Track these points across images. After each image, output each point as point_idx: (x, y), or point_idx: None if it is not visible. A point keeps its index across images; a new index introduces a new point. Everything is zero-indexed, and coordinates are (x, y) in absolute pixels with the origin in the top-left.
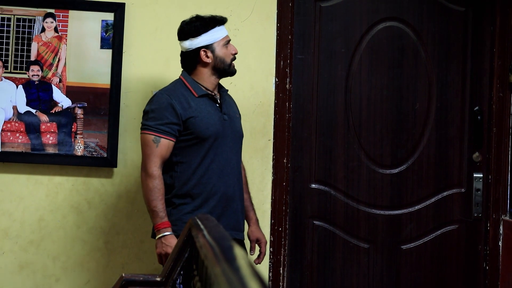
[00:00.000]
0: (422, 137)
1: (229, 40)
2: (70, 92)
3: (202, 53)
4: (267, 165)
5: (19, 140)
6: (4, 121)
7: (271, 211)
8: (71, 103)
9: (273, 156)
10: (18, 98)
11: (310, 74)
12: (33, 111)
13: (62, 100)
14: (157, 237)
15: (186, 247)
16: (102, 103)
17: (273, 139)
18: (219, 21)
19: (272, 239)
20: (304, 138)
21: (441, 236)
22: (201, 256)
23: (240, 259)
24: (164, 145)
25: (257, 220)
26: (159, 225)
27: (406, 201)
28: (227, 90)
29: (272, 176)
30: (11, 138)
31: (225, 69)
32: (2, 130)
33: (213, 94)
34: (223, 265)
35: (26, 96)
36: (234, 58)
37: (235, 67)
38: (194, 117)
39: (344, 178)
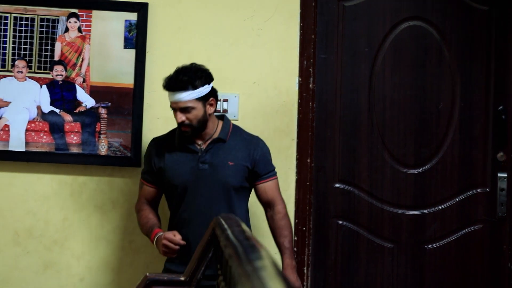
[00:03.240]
0: (446, 137)
1: (178, 108)
2: (94, 92)
3: None
4: (290, 165)
5: (43, 140)
6: (28, 121)
7: (295, 210)
8: (94, 103)
9: (296, 155)
10: (42, 98)
11: (334, 73)
12: (57, 111)
13: (86, 100)
14: (155, 244)
15: (210, 246)
16: (125, 103)
17: (297, 138)
18: (165, 86)
19: (296, 238)
20: (327, 137)
21: (465, 236)
22: (225, 256)
23: (264, 259)
24: (145, 189)
25: (291, 265)
26: (152, 237)
27: (430, 200)
28: (224, 140)
29: (296, 175)
30: (35, 138)
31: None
32: (26, 130)
33: (195, 144)
34: (246, 264)
35: (50, 96)
36: (183, 125)
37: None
38: (164, 167)
39: (368, 177)
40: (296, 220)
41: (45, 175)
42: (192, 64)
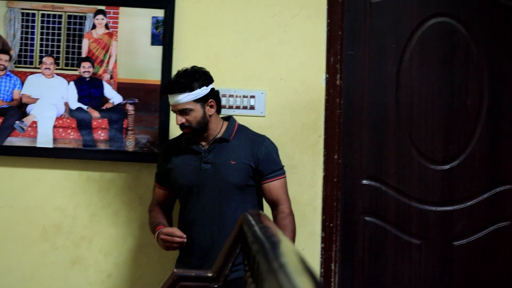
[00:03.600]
0: (474, 133)
1: (177, 110)
2: (121, 88)
3: None
4: (318, 161)
5: (71, 136)
6: (56, 118)
7: (322, 207)
8: (122, 99)
9: (324, 152)
10: (69, 94)
11: (361, 70)
12: (85, 107)
13: (113, 97)
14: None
15: (237, 242)
16: (152, 99)
17: (324, 135)
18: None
19: (323, 235)
20: (354, 134)
21: (494, 233)
22: (252, 252)
23: (291, 255)
24: (157, 192)
25: None
26: (155, 234)
27: (458, 197)
28: (228, 140)
29: (323, 172)
30: (63, 134)
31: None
32: (54, 127)
33: (199, 145)
34: (273, 260)
35: (78, 93)
36: (183, 127)
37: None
38: (171, 168)
39: (396, 174)
40: (324, 217)
41: (73, 172)
42: (192, 67)
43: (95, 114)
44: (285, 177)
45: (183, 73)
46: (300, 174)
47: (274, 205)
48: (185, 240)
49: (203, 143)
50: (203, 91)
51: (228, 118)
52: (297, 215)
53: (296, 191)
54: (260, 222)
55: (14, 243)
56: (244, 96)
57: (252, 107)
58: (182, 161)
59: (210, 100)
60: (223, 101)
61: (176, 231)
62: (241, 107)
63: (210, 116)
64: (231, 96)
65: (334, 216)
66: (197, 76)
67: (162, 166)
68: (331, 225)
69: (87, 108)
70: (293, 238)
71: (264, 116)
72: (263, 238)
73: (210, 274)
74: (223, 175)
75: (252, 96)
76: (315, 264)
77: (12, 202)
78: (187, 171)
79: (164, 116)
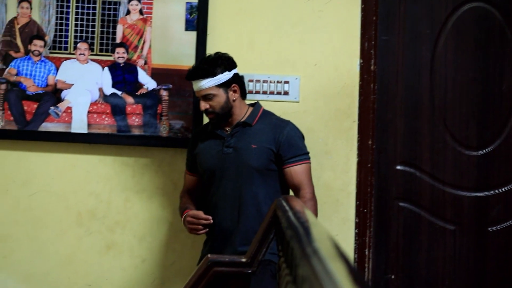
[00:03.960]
0: (509, 118)
1: (201, 96)
2: (155, 74)
3: None
4: (352, 147)
5: (105, 122)
6: (91, 103)
7: (356, 192)
8: (156, 85)
9: (358, 137)
10: (104, 80)
11: (395, 55)
12: (119, 93)
13: (147, 82)
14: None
15: (271, 228)
16: (186, 85)
17: (358, 120)
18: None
19: (357, 220)
20: (388, 119)
21: None
22: (286, 237)
23: (325, 240)
24: (187, 178)
25: None
26: (182, 218)
27: (492, 183)
28: (251, 124)
29: (357, 157)
30: (97, 120)
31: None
32: (88, 112)
33: (223, 130)
34: (307, 246)
35: (112, 78)
36: (207, 113)
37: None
38: (197, 153)
39: (430, 159)
40: (358, 202)
41: (107, 157)
42: (216, 53)
43: (130, 99)
44: (308, 162)
45: (206, 59)
46: (334, 160)
47: (296, 190)
48: (211, 221)
49: (227, 128)
50: (225, 76)
51: (254, 104)
52: (331, 200)
53: (329, 176)
54: (294, 208)
55: (50, 228)
56: (278, 82)
57: (286, 93)
58: (207, 146)
59: (233, 85)
60: (257, 87)
61: (201, 213)
62: (275, 92)
63: (233, 101)
64: (265, 81)
65: (368, 202)
66: (219, 62)
67: (191, 152)
68: (365, 210)
69: (122, 93)
70: None
71: (298, 102)
72: (297, 224)
73: (244, 260)
74: (244, 159)
75: (286, 82)
76: (349, 250)
77: (47, 188)
78: (210, 155)
79: (198, 101)
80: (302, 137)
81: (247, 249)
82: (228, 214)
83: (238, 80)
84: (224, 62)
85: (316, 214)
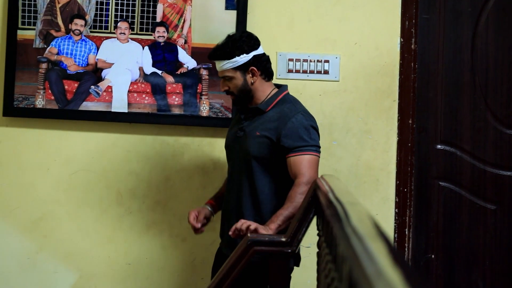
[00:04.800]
0: None
1: (221, 78)
2: (195, 53)
3: None
4: (392, 126)
5: (145, 101)
6: (131, 82)
7: (396, 171)
8: (196, 64)
9: (398, 116)
10: (144, 59)
11: (436, 34)
12: (159, 72)
13: (188, 61)
14: None
15: (311, 207)
16: None
17: (398, 99)
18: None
19: (397, 200)
20: (429, 98)
21: None
22: (326, 217)
23: (365, 219)
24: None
25: (266, 225)
26: None
27: None
28: (265, 110)
29: (397, 137)
30: (137, 99)
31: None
32: (128, 91)
33: (246, 111)
34: (347, 225)
35: (152, 57)
36: (228, 93)
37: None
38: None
39: (470, 138)
40: (398, 182)
41: (147, 136)
42: (242, 32)
43: (170, 79)
44: (311, 154)
45: (226, 40)
46: (374, 139)
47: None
48: (198, 228)
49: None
50: (242, 59)
51: (280, 86)
52: (371, 180)
53: (369, 156)
54: (334, 187)
55: (91, 207)
56: (318, 61)
57: (326, 72)
58: (232, 124)
59: (251, 68)
60: (297, 66)
61: (190, 217)
62: (315, 71)
63: (252, 83)
64: (305, 61)
65: (408, 181)
66: (238, 44)
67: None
68: (405, 190)
69: (162, 73)
70: (291, 210)
71: (338, 81)
72: (337, 203)
73: (283, 239)
74: (246, 144)
75: (326, 61)
76: (389, 230)
77: (87, 167)
78: (229, 135)
79: None
80: (311, 128)
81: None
82: (230, 197)
83: (258, 62)
84: (243, 44)
85: (295, 201)
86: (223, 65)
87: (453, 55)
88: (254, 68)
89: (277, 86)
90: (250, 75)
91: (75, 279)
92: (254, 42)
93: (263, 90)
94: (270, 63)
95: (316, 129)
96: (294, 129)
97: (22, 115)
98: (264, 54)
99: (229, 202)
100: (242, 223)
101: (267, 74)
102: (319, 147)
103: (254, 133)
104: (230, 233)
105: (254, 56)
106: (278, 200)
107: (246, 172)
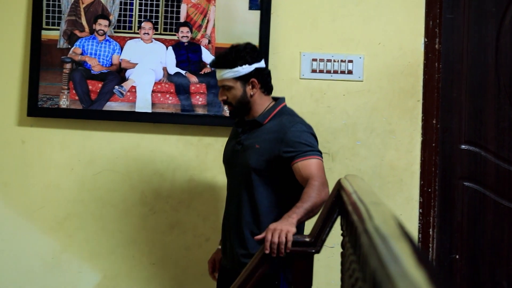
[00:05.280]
0: None
1: (220, 85)
2: (219, 53)
3: None
4: (416, 126)
5: (169, 101)
6: (155, 82)
7: (420, 172)
8: None
9: (422, 116)
10: (168, 59)
11: (460, 33)
12: (183, 72)
13: None
14: None
15: (335, 207)
16: None
17: (422, 99)
18: (210, 63)
19: (421, 200)
20: (453, 98)
21: None
22: (349, 217)
23: (389, 219)
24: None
25: (290, 212)
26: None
27: None
28: (262, 122)
29: (421, 137)
30: (161, 99)
31: None
32: (152, 91)
33: (242, 124)
34: (370, 225)
35: (176, 57)
36: (225, 103)
37: None
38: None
39: (495, 139)
40: (422, 182)
41: (171, 136)
42: (246, 43)
43: (193, 79)
44: (318, 158)
45: (230, 50)
46: (398, 139)
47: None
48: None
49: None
50: (244, 69)
51: (277, 99)
52: (394, 180)
53: (393, 156)
54: (358, 187)
55: (114, 207)
56: (341, 61)
57: (350, 72)
58: (229, 139)
59: (252, 79)
60: (321, 66)
61: (208, 268)
62: (339, 71)
63: (251, 96)
64: (328, 61)
65: (432, 181)
66: (241, 54)
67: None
68: (429, 190)
69: (185, 73)
70: (311, 204)
71: (362, 81)
72: (360, 203)
73: (307, 239)
74: (246, 157)
75: (350, 61)
76: (413, 230)
77: (111, 167)
78: (227, 150)
79: None
80: (312, 136)
81: (243, 251)
82: (231, 211)
83: (259, 74)
84: (246, 55)
85: (314, 198)
86: (224, 74)
87: (477, 55)
88: (255, 80)
89: (274, 99)
90: (250, 86)
91: (99, 278)
92: (257, 55)
93: (261, 104)
94: (271, 78)
95: (316, 137)
96: (297, 136)
97: (47, 115)
98: (266, 68)
99: (229, 217)
100: (272, 234)
101: (267, 88)
102: (322, 153)
103: (253, 146)
104: (267, 251)
105: (256, 68)
106: (278, 212)
107: (245, 185)
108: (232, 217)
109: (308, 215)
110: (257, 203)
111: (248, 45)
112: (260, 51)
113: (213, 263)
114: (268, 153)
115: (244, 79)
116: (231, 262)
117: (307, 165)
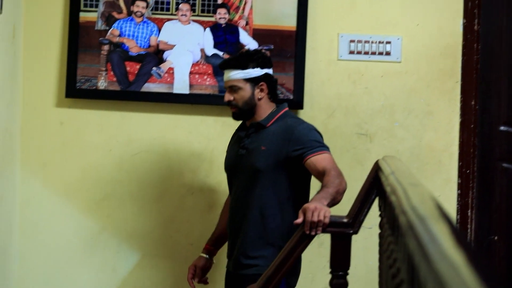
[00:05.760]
0: None
1: (227, 87)
2: (257, 34)
3: None
4: (454, 107)
5: (207, 83)
6: (192, 64)
7: (459, 153)
8: (257, 46)
9: (460, 98)
10: (205, 41)
11: (499, 14)
12: (220, 53)
13: (249, 43)
14: None
15: (372, 188)
16: (288, 45)
17: (461, 81)
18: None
19: (459, 181)
20: (492, 80)
21: None
22: (387, 198)
23: (427, 200)
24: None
25: (318, 196)
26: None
27: None
28: (265, 125)
29: (460, 118)
30: (199, 81)
31: None
32: (190, 73)
33: (244, 129)
34: (408, 206)
35: (213, 39)
36: (230, 105)
37: None
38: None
39: None
40: (460, 163)
41: (209, 117)
42: (256, 49)
43: None
44: (328, 153)
45: (241, 53)
46: (436, 120)
47: (321, 177)
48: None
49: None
50: (255, 72)
51: (279, 105)
52: (433, 161)
53: (431, 137)
54: (396, 168)
55: (152, 188)
56: (379, 42)
57: (388, 53)
58: (230, 145)
59: (261, 83)
60: (358, 47)
61: (188, 274)
62: (377, 53)
63: (259, 99)
64: (366, 42)
65: (471, 163)
66: (254, 57)
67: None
68: (468, 171)
69: (223, 54)
70: (334, 190)
71: (400, 62)
72: (398, 184)
73: (345, 220)
74: (252, 161)
75: (388, 42)
76: (452, 211)
77: (149, 148)
78: (230, 156)
79: (299, 62)
80: (318, 134)
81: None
82: (237, 216)
83: (269, 80)
84: (258, 59)
85: (337, 185)
86: (235, 74)
87: None
88: (264, 84)
89: (276, 105)
90: (259, 90)
91: (137, 258)
92: (268, 61)
93: (266, 108)
94: (277, 88)
95: (321, 135)
96: (304, 134)
97: (85, 97)
98: (274, 76)
99: (234, 221)
100: (312, 214)
101: (273, 95)
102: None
103: (259, 148)
104: (307, 231)
105: (266, 73)
106: (284, 215)
107: (252, 187)
108: (238, 222)
109: (333, 201)
110: (263, 205)
111: (260, 51)
112: (270, 59)
113: (193, 269)
114: (275, 154)
115: (254, 81)
116: (237, 267)
117: (320, 159)
